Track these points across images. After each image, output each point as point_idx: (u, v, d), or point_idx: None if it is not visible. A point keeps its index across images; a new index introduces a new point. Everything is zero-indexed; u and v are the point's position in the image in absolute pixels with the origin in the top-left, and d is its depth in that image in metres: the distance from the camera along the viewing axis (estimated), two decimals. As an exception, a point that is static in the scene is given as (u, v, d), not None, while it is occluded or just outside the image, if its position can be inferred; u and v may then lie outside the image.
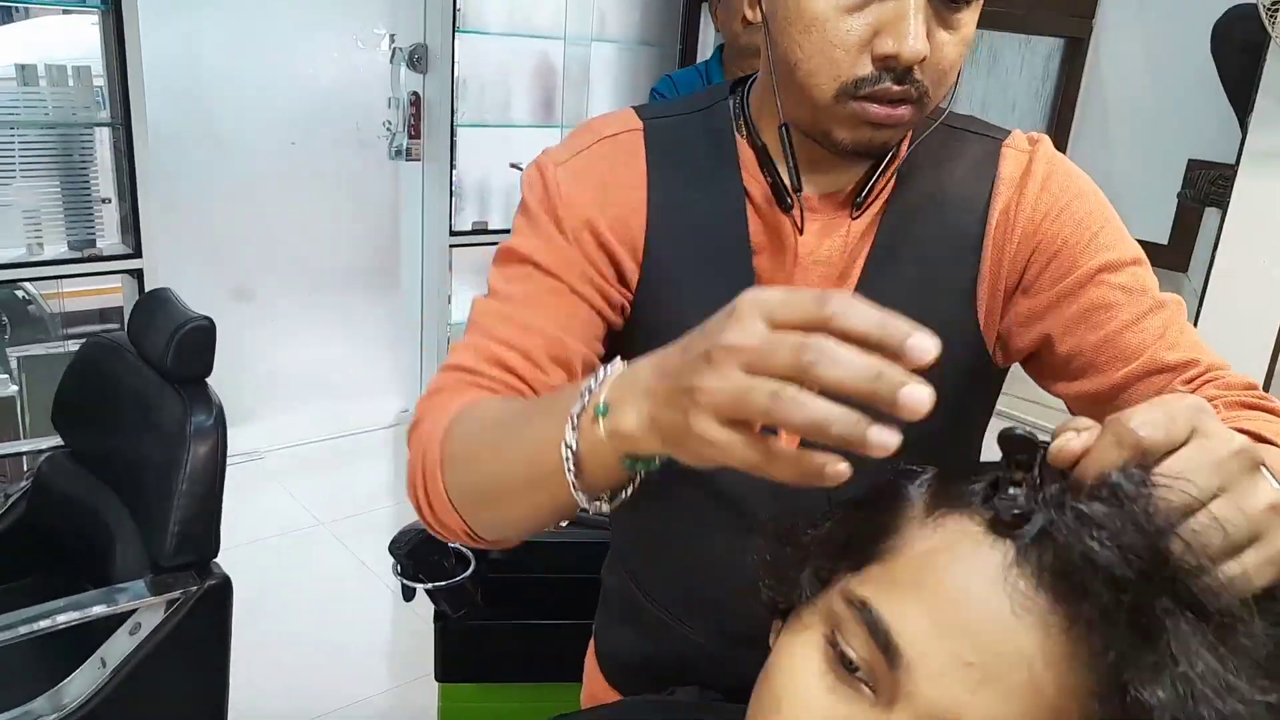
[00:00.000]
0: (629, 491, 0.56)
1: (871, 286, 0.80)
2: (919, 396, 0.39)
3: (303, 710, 2.35)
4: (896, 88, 0.71)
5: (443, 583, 1.18)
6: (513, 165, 3.64)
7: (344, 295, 3.90)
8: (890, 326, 0.41)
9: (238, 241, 3.57)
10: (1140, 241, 0.82)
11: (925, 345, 0.40)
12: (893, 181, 0.82)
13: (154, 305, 1.67)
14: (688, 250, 0.81)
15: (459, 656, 1.28)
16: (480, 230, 3.93)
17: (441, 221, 3.78)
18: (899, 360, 0.41)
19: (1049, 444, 0.44)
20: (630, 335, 0.84)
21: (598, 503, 0.57)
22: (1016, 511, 0.43)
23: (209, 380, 1.63)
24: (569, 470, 0.54)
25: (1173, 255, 3.04)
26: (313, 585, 2.92)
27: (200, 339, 1.56)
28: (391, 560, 1.20)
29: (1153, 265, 0.82)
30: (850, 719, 0.45)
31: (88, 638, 1.43)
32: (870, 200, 0.81)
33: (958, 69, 0.75)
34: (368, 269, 3.95)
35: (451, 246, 3.84)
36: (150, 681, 1.44)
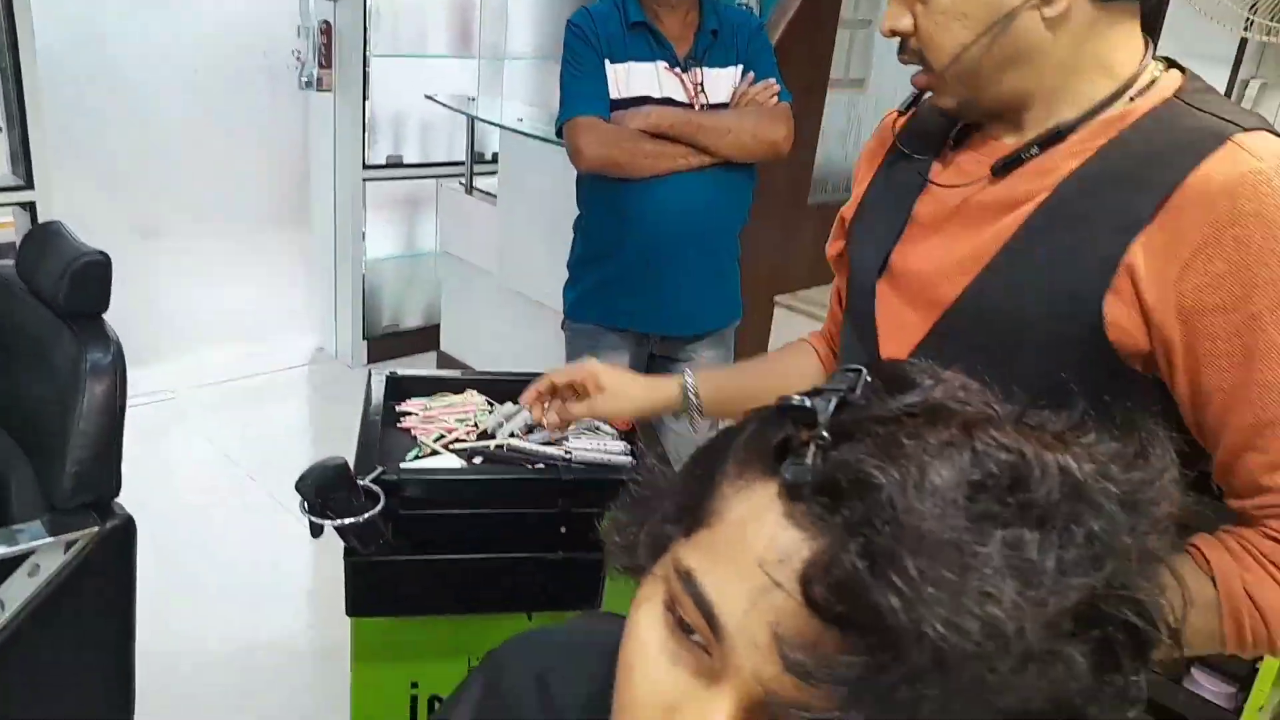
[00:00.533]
0: None
1: (1013, 249, 0.86)
2: None
3: (217, 651, 2.33)
4: (902, 55, 0.90)
5: (350, 519, 1.17)
6: (427, 97, 3.54)
7: (255, 231, 3.79)
8: None
9: (141, 176, 3.43)
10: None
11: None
12: (1092, 152, 0.84)
13: (45, 238, 1.59)
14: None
15: (369, 592, 1.27)
16: (395, 164, 3.83)
17: (355, 155, 3.68)
18: None
19: (829, 399, 0.45)
20: None
21: None
22: (807, 479, 0.42)
23: (107, 318, 1.58)
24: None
25: None
26: (227, 525, 2.88)
27: (95, 273, 1.50)
28: (299, 498, 1.18)
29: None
30: (686, 692, 0.45)
31: (-18, 581, 1.38)
32: (1018, 166, 0.87)
33: (943, 38, 0.86)
34: (279, 204, 3.84)
35: (365, 181, 3.75)
36: (52, 625, 1.41)
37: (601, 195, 2.11)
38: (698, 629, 0.45)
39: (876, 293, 0.98)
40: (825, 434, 0.43)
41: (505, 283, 3.26)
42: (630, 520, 0.54)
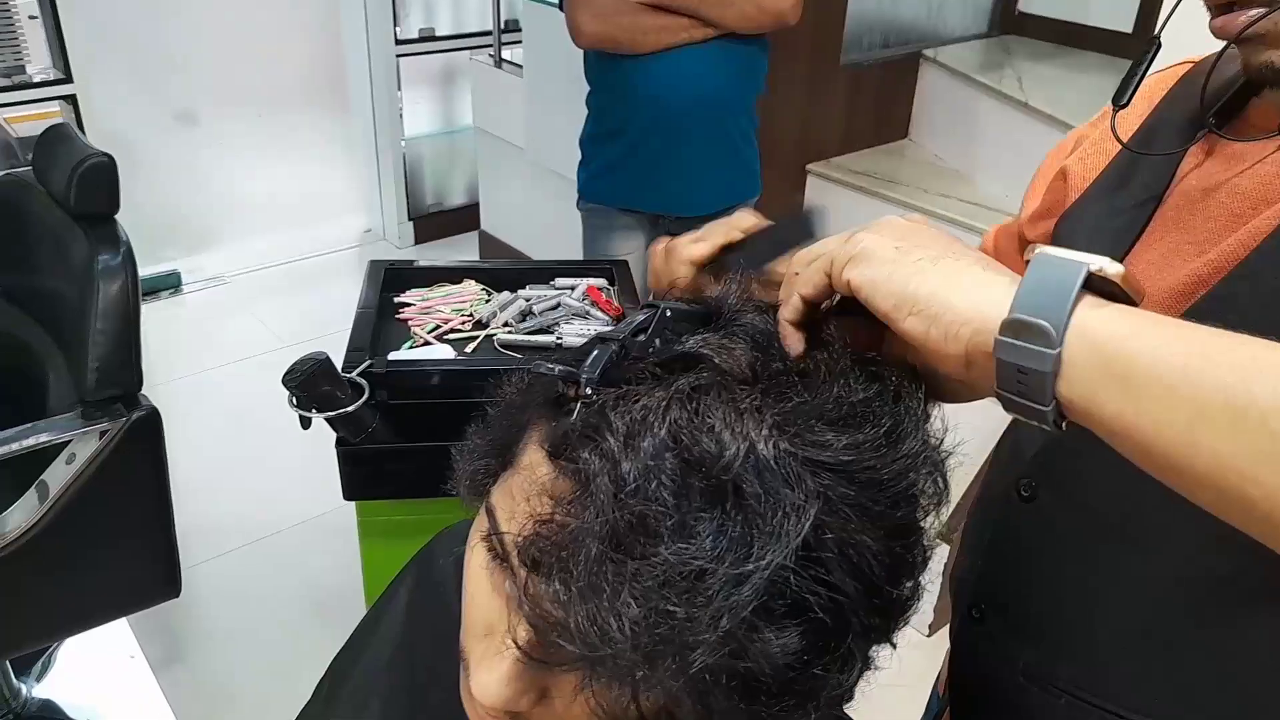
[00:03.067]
0: None
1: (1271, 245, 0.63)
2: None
3: (272, 523, 2.49)
4: None
5: (334, 412, 1.24)
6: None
7: (294, 115, 3.82)
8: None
9: (176, 64, 3.46)
10: None
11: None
12: None
13: (54, 141, 1.65)
14: None
15: (362, 477, 1.35)
16: (427, 38, 3.78)
17: (386, 31, 3.64)
18: None
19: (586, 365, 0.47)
20: None
21: None
22: (563, 444, 0.45)
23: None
24: None
25: None
26: (280, 407, 3.01)
27: (100, 176, 1.55)
28: (286, 394, 1.25)
29: None
30: (500, 615, 0.49)
31: (25, 471, 1.51)
32: None
33: None
34: (316, 86, 3.84)
35: (399, 56, 3.72)
36: (91, 508, 1.53)
37: (605, 72, 2.07)
38: (501, 559, 0.49)
39: None
40: (586, 396, 0.46)
41: (534, 158, 3.25)
42: (467, 455, 0.57)
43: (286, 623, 2.23)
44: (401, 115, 3.84)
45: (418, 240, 4.06)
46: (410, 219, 4.04)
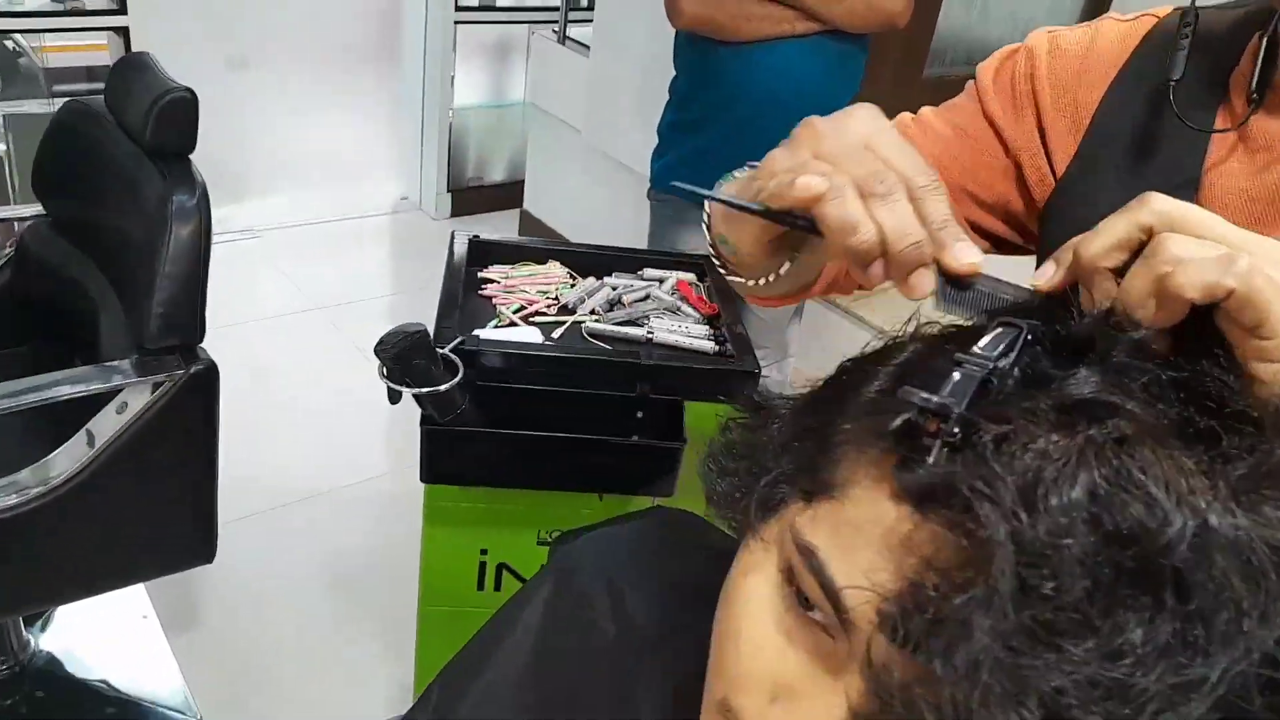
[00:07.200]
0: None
1: None
2: (970, 254, 0.43)
3: (294, 489, 2.41)
4: None
5: (428, 389, 1.15)
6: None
7: (345, 69, 3.71)
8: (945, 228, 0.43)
9: (233, 6, 3.36)
10: None
11: (968, 254, 0.43)
12: None
13: (132, 71, 1.56)
14: None
15: (444, 460, 1.27)
16: (488, 8, 3.69)
17: (448, -5, 3.55)
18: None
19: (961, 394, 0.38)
20: None
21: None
22: (919, 485, 0.37)
23: (193, 157, 1.55)
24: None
25: None
26: (305, 368, 2.94)
27: (182, 113, 1.47)
28: (378, 363, 1.17)
29: None
30: (805, 676, 0.41)
31: (72, 414, 1.42)
32: None
33: None
34: (370, 41, 3.74)
35: (457, 24, 3.62)
36: (137, 461, 1.45)
37: (698, 58, 1.98)
38: (821, 609, 0.41)
39: None
40: (951, 436, 0.37)
41: (592, 141, 3.16)
42: (737, 469, 0.48)
43: (304, 594, 2.15)
44: (453, 83, 3.75)
45: (455, 213, 3.97)
46: (449, 190, 3.95)
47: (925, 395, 0.37)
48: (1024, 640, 0.33)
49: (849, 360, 0.51)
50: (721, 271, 0.65)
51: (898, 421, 0.39)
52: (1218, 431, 0.36)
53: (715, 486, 0.50)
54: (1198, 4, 0.68)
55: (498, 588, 1.45)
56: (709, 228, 0.67)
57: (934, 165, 0.75)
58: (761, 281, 0.62)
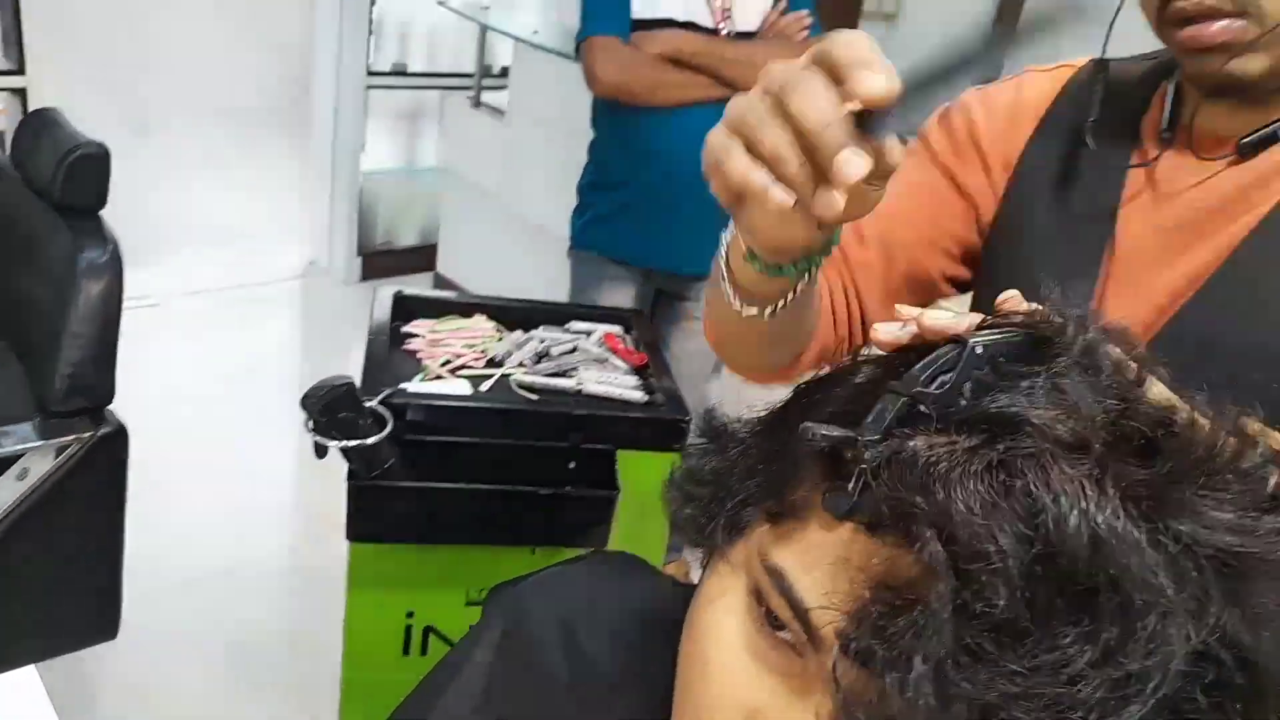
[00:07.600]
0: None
1: (1248, 251, 0.67)
2: (855, 164, 0.42)
3: (201, 566, 2.30)
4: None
5: (354, 442, 1.13)
6: (439, 3, 3.41)
7: (251, 134, 3.66)
8: (862, 77, 0.42)
9: (135, 69, 3.29)
10: None
11: (852, 163, 0.43)
12: None
13: (40, 126, 1.52)
14: None
15: (370, 517, 1.24)
16: (399, 73, 3.71)
17: (358, 60, 3.55)
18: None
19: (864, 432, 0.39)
20: None
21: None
22: (843, 510, 0.39)
23: (103, 215, 1.51)
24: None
25: None
26: (212, 440, 2.83)
27: (92, 167, 1.43)
28: (304, 415, 1.14)
29: None
30: (773, 697, 0.42)
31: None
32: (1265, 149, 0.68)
33: None
34: (277, 107, 3.70)
35: (368, 88, 3.62)
36: (39, 532, 1.37)
37: (616, 122, 2.03)
38: (791, 629, 0.41)
39: None
40: (865, 461, 0.38)
41: (508, 204, 3.18)
42: (701, 495, 0.49)
43: (213, 673, 2.04)
44: (364, 147, 3.73)
45: (365, 277, 3.91)
46: (360, 254, 3.91)
47: (824, 432, 0.39)
48: (965, 657, 0.34)
49: (803, 383, 0.52)
50: (735, 304, 0.65)
51: (825, 446, 0.40)
52: (1144, 441, 0.38)
53: (681, 512, 0.50)
54: (1109, 56, 0.76)
55: (424, 652, 1.40)
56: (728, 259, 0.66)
57: (901, 222, 0.79)
58: (767, 311, 0.64)
